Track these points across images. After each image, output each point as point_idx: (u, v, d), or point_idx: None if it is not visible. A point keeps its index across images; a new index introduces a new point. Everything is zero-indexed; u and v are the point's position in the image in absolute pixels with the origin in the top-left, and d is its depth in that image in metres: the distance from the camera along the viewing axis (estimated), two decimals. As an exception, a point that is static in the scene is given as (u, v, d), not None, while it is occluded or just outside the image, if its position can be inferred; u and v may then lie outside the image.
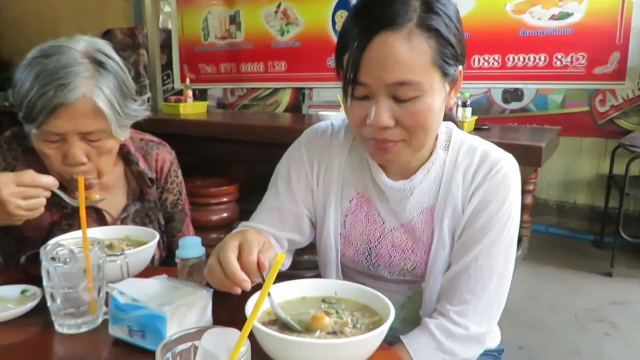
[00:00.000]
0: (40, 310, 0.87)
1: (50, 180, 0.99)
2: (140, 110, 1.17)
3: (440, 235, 0.95)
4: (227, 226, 2.74)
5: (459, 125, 1.06)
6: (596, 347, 2.29)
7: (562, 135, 3.07)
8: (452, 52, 0.84)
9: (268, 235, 1.02)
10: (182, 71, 5.18)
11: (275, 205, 1.05)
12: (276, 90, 4.75)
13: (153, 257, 1.20)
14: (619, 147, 3.25)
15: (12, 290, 0.94)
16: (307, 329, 0.73)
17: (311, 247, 1.13)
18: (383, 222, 1.01)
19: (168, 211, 1.37)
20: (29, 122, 1.06)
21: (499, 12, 3.59)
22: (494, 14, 3.61)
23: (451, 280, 0.94)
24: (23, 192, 0.95)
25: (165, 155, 1.35)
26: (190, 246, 0.93)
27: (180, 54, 5.19)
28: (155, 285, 0.83)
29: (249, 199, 1.65)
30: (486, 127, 2.66)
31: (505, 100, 3.80)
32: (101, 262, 0.85)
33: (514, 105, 3.78)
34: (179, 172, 1.39)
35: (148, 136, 1.36)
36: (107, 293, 0.85)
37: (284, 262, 1.04)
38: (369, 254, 1.02)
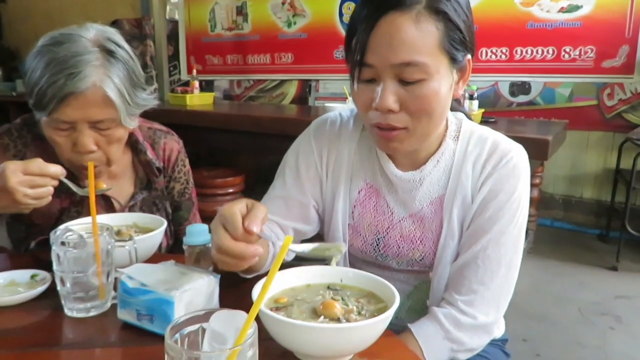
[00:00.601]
0: (50, 294, 0.88)
1: (57, 169, 0.98)
2: (149, 99, 1.17)
3: (450, 225, 0.96)
4: (232, 217, 2.76)
5: (469, 116, 1.06)
6: (600, 340, 2.30)
7: (569, 128, 3.06)
8: (460, 37, 0.84)
9: (273, 224, 1.03)
10: (188, 62, 5.18)
11: (281, 194, 1.05)
12: (283, 82, 4.75)
13: (160, 245, 1.21)
14: (627, 141, 3.23)
15: (23, 275, 0.95)
16: (317, 314, 0.74)
17: (318, 238, 1.13)
18: (392, 213, 1.01)
19: (175, 200, 1.37)
20: (39, 109, 1.06)
21: (508, 5, 3.57)
22: (502, 6, 3.58)
23: (459, 269, 0.94)
24: (31, 181, 0.95)
25: (173, 145, 1.35)
26: (197, 233, 0.93)
27: (187, 45, 5.18)
28: (163, 270, 0.84)
29: (254, 190, 1.66)
30: (493, 120, 2.66)
31: (513, 94, 3.78)
32: (110, 248, 0.87)
33: (521, 98, 3.76)
34: (187, 161, 1.39)
35: (156, 125, 1.36)
36: (115, 278, 0.87)
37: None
38: (377, 245, 1.02)
